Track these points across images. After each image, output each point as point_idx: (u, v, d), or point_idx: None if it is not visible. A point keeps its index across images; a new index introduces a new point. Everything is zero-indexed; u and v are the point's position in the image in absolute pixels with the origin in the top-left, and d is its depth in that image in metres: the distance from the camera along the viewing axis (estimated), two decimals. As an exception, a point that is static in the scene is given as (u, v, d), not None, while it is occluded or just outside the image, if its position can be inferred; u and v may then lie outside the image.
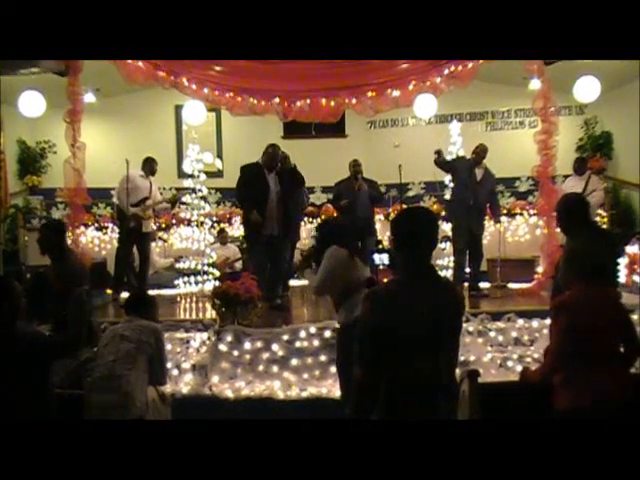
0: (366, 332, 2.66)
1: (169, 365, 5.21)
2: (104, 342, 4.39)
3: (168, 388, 4.93)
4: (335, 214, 10.35)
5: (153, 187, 8.56)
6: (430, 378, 2.60)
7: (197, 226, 9.48)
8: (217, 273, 8.70)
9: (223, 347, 5.82)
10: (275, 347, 5.83)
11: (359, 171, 8.47)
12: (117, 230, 8.87)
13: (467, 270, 8.22)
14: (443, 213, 8.94)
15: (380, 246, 8.63)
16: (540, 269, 8.22)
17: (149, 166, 8.52)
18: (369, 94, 9.10)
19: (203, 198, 8.94)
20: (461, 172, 8.12)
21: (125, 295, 7.24)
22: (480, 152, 8.15)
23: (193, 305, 8.15)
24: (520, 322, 6.34)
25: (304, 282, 9.38)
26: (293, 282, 8.79)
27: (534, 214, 9.63)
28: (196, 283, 8.97)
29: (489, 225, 8.79)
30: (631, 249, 7.68)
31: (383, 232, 9.45)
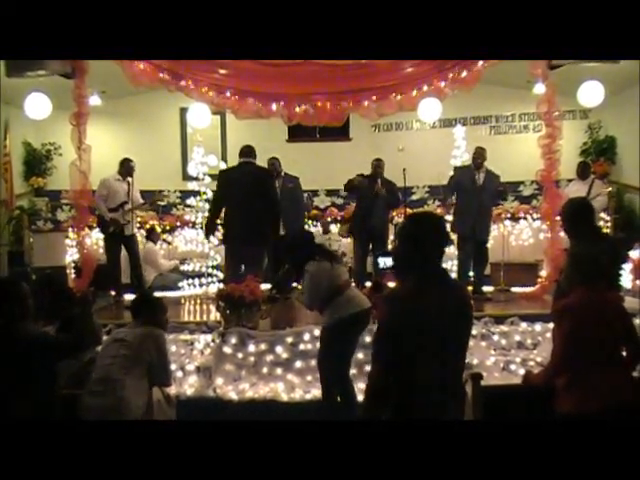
0: (383, 335, 2.69)
1: (173, 367, 5.22)
2: (105, 345, 4.41)
3: (173, 390, 4.94)
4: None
5: (132, 189, 8.30)
6: (440, 380, 2.62)
7: (201, 228, 9.50)
8: (221, 275, 8.71)
9: (227, 349, 5.84)
10: (279, 349, 5.85)
11: (380, 173, 8.44)
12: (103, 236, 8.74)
13: (470, 274, 8.23)
14: (448, 217, 8.93)
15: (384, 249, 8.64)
16: (543, 273, 8.21)
17: (125, 167, 8.31)
18: (373, 98, 9.11)
19: (207, 201, 8.96)
20: (464, 180, 8.13)
21: (130, 297, 7.26)
22: (477, 156, 8.18)
23: (197, 307, 8.15)
24: (523, 326, 6.35)
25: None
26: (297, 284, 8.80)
27: (538, 218, 9.61)
28: (200, 285, 8.99)
29: (493, 229, 8.79)
30: (634, 254, 7.69)
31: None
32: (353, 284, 5.10)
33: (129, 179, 8.30)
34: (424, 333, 2.59)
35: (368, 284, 7.15)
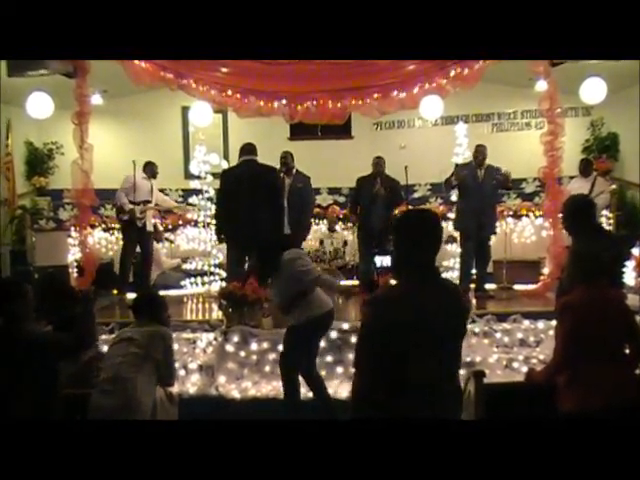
0: (365, 339, 2.64)
1: (176, 365, 5.22)
2: (112, 344, 4.40)
3: (175, 388, 4.94)
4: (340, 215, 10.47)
5: (154, 189, 8.80)
6: (433, 381, 2.57)
7: (204, 227, 9.50)
8: (224, 274, 8.71)
9: (230, 348, 5.84)
10: (281, 348, 5.84)
11: (380, 171, 8.41)
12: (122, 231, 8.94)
13: (473, 271, 8.22)
14: (450, 215, 8.92)
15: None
16: (546, 270, 8.22)
17: (150, 169, 8.77)
18: (375, 95, 9.10)
19: (210, 199, 8.96)
20: (465, 178, 8.11)
21: (131, 295, 7.26)
22: (478, 154, 8.16)
23: (200, 306, 8.16)
24: (526, 323, 6.35)
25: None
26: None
27: (540, 215, 9.60)
28: (203, 284, 8.99)
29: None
30: (637, 251, 7.67)
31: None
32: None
33: (153, 180, 8.77)
34: (411, 334, 2.52)
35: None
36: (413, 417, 2.54)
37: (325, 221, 10.58)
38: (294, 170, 8.40)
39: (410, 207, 8.70)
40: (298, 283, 4.87)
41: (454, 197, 8.61)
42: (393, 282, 3.01)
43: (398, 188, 8.40)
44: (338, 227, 10.53)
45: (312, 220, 10.00)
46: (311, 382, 5.08)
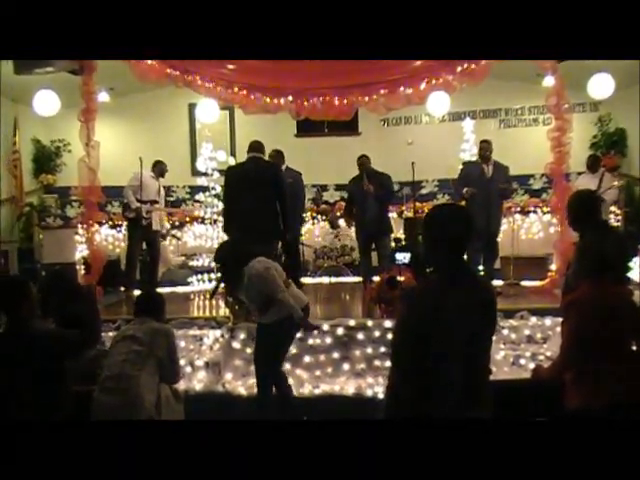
0: (404, 336, 2.61)
1: (182, 362, 5.23)
2: (114, 342, 4.40)
3: (182, 385, 4.95)
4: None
5: (161, 189, 8.78)
6: (462, 382, 2.54)
7: (210, 224, 9.52)
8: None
9: (236, 344, 5.85)
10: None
11: (364, 169, 8.22)
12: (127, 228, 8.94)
13: (480, 268, 8.20)
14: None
15: (400, 244, 8.60)
16: (553, 267, 8.19)
17: (159, 168, 8.69)
18: (381, 92, 9.09)
19: (216, 196, 8.98)
20: (473, 174, 8.07)
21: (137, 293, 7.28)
22: (483, 150, 8.09)
23: (206, 302, 8.17)
24: (533, 320, 6.33)
25: (317, 280, 9.43)
26: (306, 280, 8.82)
27: (548, 212, 9.59)
28: (209, 280, 9.00)
29: (502, 223, 8.73)
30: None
31: (396, 230, 9.39)
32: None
33: (161, 179, 8.71)
34: (446, 332, 2.50)
35: (376, 279, 7.15)
36: (421, 416, 2.52)
37: (329, 217, 10.53)
38: (284, 166, 8.32)
39: (418, 204, 8.70)
40: (264, 292, 4.84)
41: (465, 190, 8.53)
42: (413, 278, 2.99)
43: (387, 181, 8.17)
44: (342, 222, 10.45)
45: (319, 217, 10.04)
46: (277, 378, 5.03)
